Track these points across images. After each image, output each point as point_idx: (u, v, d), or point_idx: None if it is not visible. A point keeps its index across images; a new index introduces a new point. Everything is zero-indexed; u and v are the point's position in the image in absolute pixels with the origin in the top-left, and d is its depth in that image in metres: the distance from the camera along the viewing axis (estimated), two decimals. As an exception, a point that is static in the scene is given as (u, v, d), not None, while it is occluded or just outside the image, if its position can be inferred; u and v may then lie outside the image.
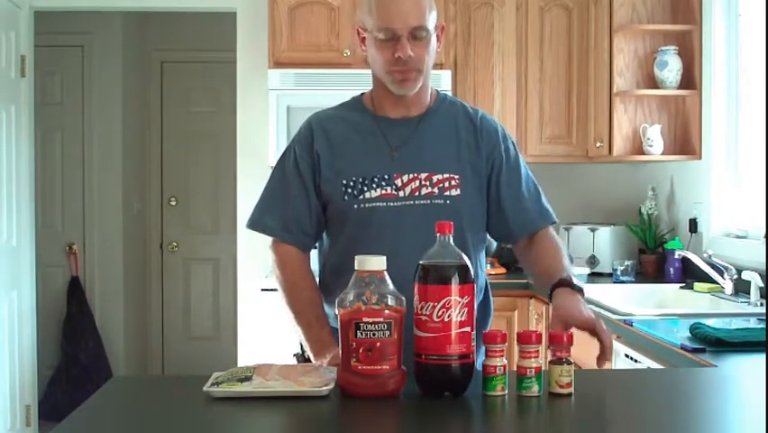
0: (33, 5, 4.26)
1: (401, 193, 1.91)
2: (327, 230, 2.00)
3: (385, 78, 1.91)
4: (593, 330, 1.71)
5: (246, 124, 4.29)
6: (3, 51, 3.98)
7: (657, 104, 3.84)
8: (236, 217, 4.35)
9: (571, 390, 1.51)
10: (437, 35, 1.91)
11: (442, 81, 3.76)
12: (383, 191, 1.91)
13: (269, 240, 2.03)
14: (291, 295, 1.96)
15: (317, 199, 1.96)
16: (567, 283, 1.81)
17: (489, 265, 3.88)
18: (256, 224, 2.01)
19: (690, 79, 3.71)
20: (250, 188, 4.25)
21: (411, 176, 1.92)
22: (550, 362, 1.53)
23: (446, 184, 1.92)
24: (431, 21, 1.87)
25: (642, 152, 3.80)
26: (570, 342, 1.54)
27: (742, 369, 1.97)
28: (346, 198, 1.91)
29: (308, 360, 2.00)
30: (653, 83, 3.78)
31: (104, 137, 5.33)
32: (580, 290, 1.81)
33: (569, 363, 1.52)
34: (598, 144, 3.90)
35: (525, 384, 1.50)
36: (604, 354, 1.70)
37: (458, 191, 1.92)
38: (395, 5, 1.84)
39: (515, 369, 1.54)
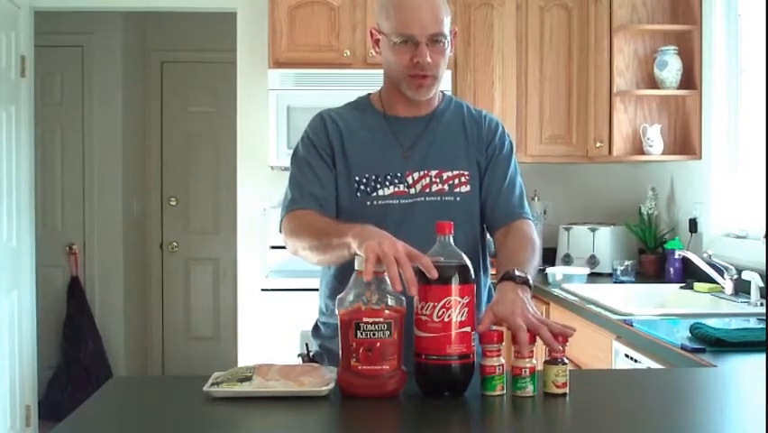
0: (33, 5, 4.26)
1: (412, 190, 1.92)
2: None
3: (401, 82, 1.92)
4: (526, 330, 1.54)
5: (246, 124, 4.29)
6: (3, 51, 3.98)
7: (657, 104, 3.84)
8: (236, 217, 4.35)
9: (567, 390, 1.51)
10: (451, 39, 1.92)
11: (441, 81, 3.75)
12: (396, 189, 1.92)
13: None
14: (311, 228, 1.83)
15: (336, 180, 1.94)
16: (510, 277, 1.68)
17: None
18: (290, 205, 1.92)
19: (690, 79, 3.71)
20: (249, 188, 4.26)
21: (422, 173, 1.93)
22: (545, 362, 1.53)
23: (456, 181, 1.94)
24: (447, 26, 1.88)
25: (642, 152, 3.80)
26: (565, 341, 1.54)
27: (742, 369, 1.96)
28: (359, 194, 1.92)
29: (313, 360, 2.00)
30: (653, 83, 3.78)
31: (104, 137, 5.34)
32: (525, 283, 1.67)
33: (564, 363, 1.52)
34: (598, 144, 3.91)
35: (520, 384, 1.50)
36: (550, 347, 1.54)
37: (468, 187, 1.94)
38: (414, 12, 1.85)
39: (508, 369, 1.53)
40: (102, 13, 5.08)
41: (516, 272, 1.69)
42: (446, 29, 1.88)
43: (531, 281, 1.71)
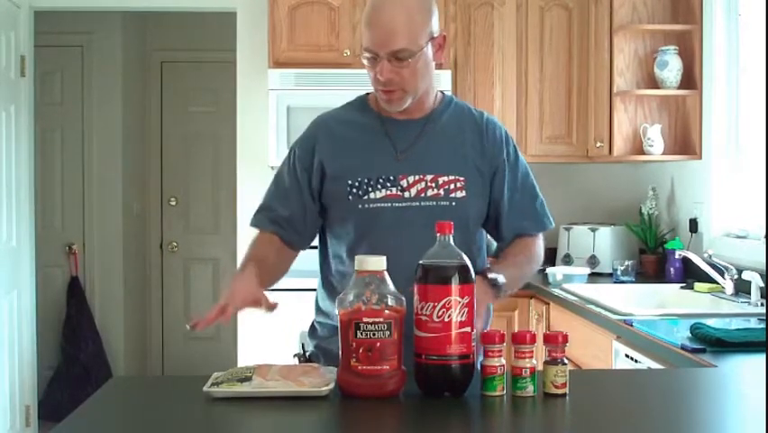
0: (33, 5, 4.26)
1: (407, 194, 1.91)
2: (331, 231, 2.00)
3: (375, 93, 1.93)
4: None
5: (246, 124, 4.29)
6: (3, 51, 3.98)
7: (657, 104, 3.83)
8: (236, 217, 4.35)
9: (566, 390, 1.51)
10: (439, 44, 1.90)
11: (442, 81, 3.76)
12: (388, 192, 1.91)
13: None
14: (246, 252, 1.98)
15: (314, 200, 1.97)
16: (481, 272, 1.77)
17: (488, 265, 3.88)
18: (253, 221, 2.04)
19: (690, 79, 3.71)
20: (249, 188, 4.25)
21: (417, 177, 1.92)
22: (545, 362, 1.52)
23: (452, 186, 1.92)
24: (421, 38, 1.84)
25: (642, 152, 3.79)
26: (565, 342, 1.54)
27: (742, 369, 1.96)
28: (350, 198, 1.91)
29: (309, 360, 2.00)
30: (654, 83, 3.78)
31: (104, 137, 5.34)
32: (494, 284, 1.79)
33: (564, 363, 1.52)
34: (598, 144, 3.90)
35: (520, 384, 1.50)
36: None
37: (463, 193, 1.92)
38: (379, 27, 1.83)
39: (508, 369, 1.53)
40: (102, 13, 5.07)
41: (490, 274, 1.79)
42: (418, 41, 1.83)
43: (501, 284, 1.77)
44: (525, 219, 2.01)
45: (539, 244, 2.04)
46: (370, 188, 1.91)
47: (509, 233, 2.00)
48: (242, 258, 2.00)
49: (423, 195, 1.91)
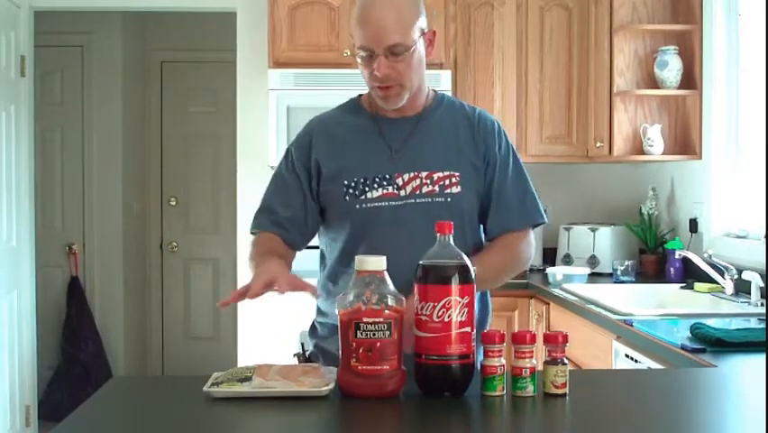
0: (33, 5, 4.26)
1: (402, 192, 1.91)
2: (328, 231, 2.00)
3: (373, 92, 1.93)
4: None
5: (246, 124, 4.29)
6: (2, 51, 3.98)
7: (657, 104, 3.83)
8: (236, 217, 4.35)
9: (566, 390, 1.51)
10: (429, 39, 1.92)
11: (442, 81, 3.76)
12: (384, 191, 1.91)
13: None
14: (254, 249, 1.97)
15: (314, 201, 1.97)
16: None
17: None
18: (255, 224, 2.03)
19: (690, 79, 3.71)
20: (249, 188, 4.25)
21: (412, 174, 1.92)
22: (545, 362, 1.52)
23: (447, 182, 1.92)
24: (413, 33, 1.86)
25: (642, 152, 3.79)
26: (565, 342, 1.54)
27: (742, 369, 1.96)
28: (347, 198, 1.92)
29: (309, 359, 2.01)
30: (654, 83, 3.78)
31: (104, 137, 5.34)
32: None
33: (564, 363, 1.52)
34: (598, 144, 3.90)
35: (520, 384, 1.50)
36: None
37: (459, 188, 1.93)
38: (372, 24, 1.84)
39: (508, 369, 1.53)
40: (102, 13, 5.07)
41: None
42: (411, 36, 1.85)
43: None
44: (512, 214, 1.99)
45: (526, 241, 2.01)
46: (366, 188, 1.91)
47: (495, 227, 1.99)
48: (247, 258, 1.99)
49: (418, 192, 1.91)
